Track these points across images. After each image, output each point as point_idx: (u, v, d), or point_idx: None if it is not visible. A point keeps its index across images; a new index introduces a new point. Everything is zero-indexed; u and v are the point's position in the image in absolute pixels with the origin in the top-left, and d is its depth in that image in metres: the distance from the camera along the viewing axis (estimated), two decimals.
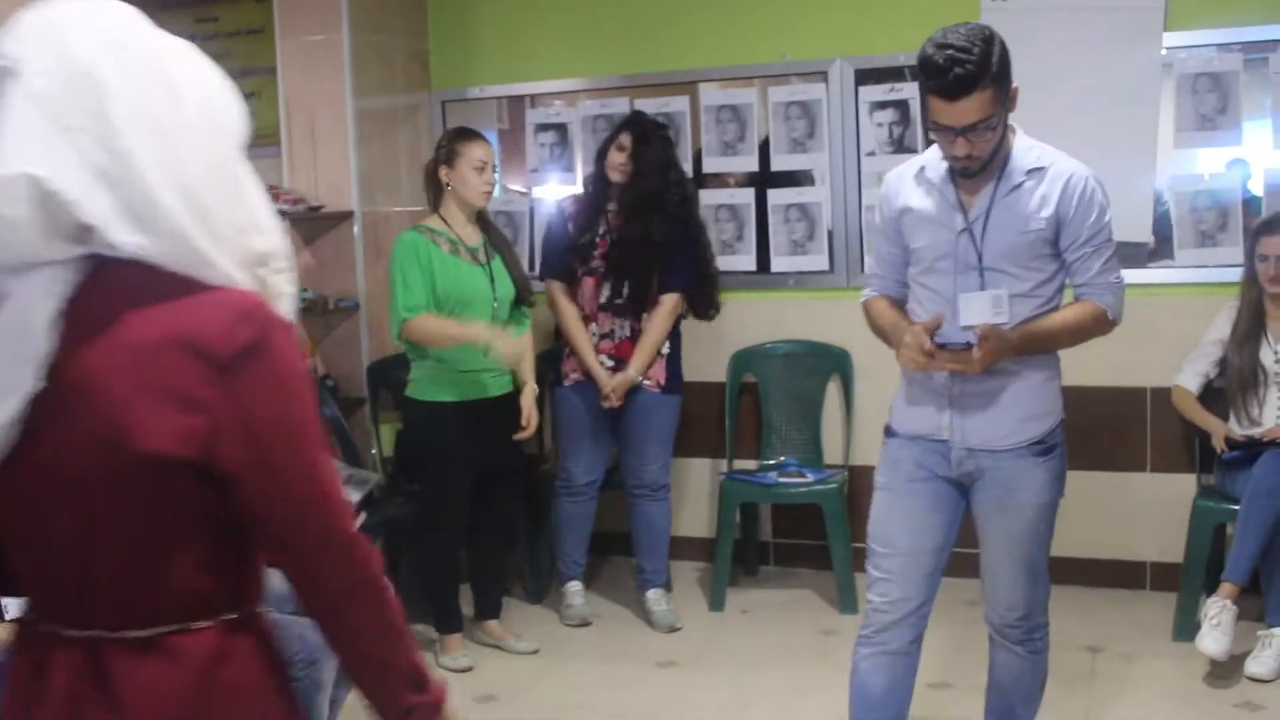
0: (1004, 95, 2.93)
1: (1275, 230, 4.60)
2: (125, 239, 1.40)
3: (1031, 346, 3.06)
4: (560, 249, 4.92)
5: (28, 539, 1.51)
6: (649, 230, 4.81)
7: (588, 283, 4.91)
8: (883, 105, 5.35)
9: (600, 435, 5.02)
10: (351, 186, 5.46)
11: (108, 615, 1.48)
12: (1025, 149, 3.10)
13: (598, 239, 4.88)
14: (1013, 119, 3.06)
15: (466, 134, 4.66)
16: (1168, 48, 4.97)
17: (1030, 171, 3.07)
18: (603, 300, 4.89)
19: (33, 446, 1.43)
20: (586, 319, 4.92)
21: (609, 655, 4.74)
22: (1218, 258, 5.01)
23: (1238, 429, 4.63)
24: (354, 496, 4.69)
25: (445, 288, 4.47)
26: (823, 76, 5.41)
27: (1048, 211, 3.03)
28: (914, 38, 5.11)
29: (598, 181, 4.95)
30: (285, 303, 1.55)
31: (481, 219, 4.66)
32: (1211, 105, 4.98)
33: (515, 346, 4.45)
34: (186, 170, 1.44)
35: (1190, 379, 4.80)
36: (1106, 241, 3.09)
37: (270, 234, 1.55)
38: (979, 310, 3.02)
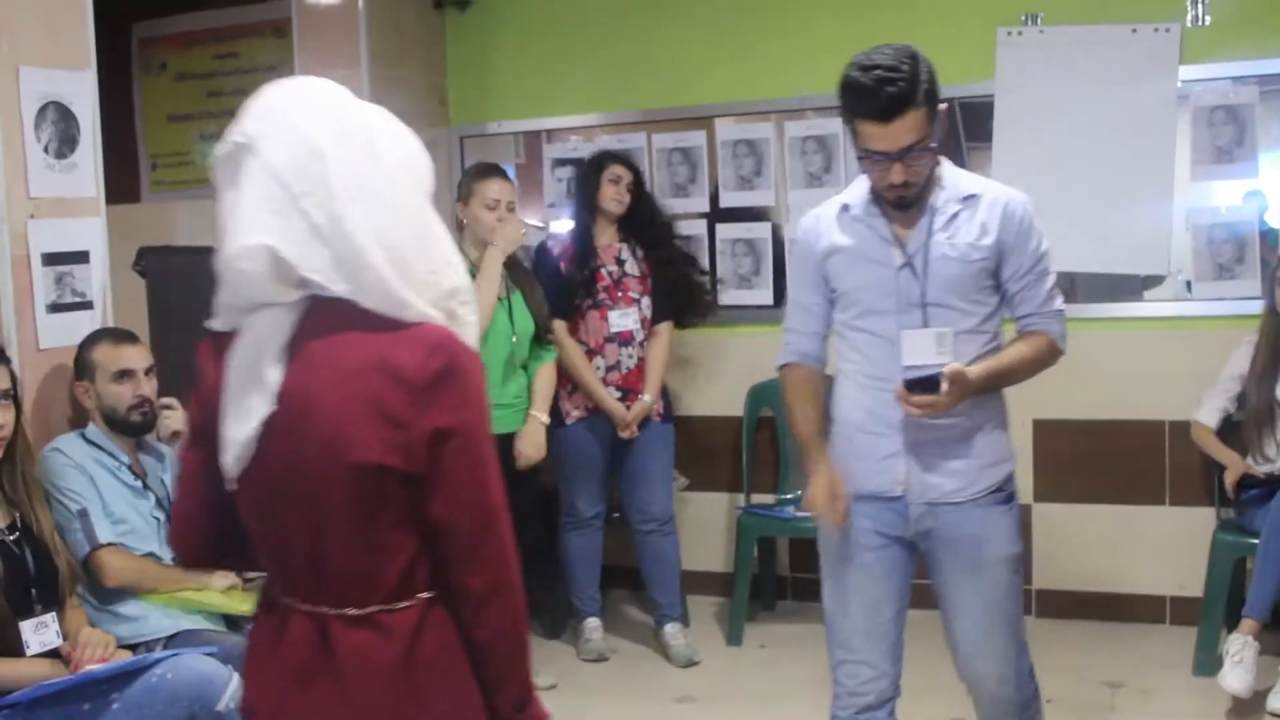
0: (935, 114, 2.79)
1: None
2: (338, 288, 1.70)
3: (991, 385, 2.88)
4: (556, 288, 4.92)
5: (267, 533, 1.82)
6: (678, 248, 5.12)
7: (594, 316, 4.94)
8: None
9: (603, 469, 5.05)
10: None
11: (332, 595, 1.77)
12: (955, 176, 2.95)
13: (596, 273, 4.91)
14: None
15: (483, 171, 4.70)
16: (1184, 80, 4.99)
17: (964, 199, 2.91)
18: (611, 329, 4.91)
19: (266, 458, 1.73)
20: (591, 353, 4.93)
21: (627, 691, 4.72)
22: (1235, 290, 5.00)
23: (1255, 465, 4.61)
24: None
25: None
26: (839, 111, 5.40)
27: (989, 240, 2.88)
28: None
29: (583, 218, 5.01)
30: (470, 330, 1.81)
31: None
32: (1228, 138, 4.99)
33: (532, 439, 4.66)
34: (389, 226, 1.71)
35: (1209, 414, 4.79)
36: (1047, 269, 2.96)
37: (456, 270, 1.81)
38: (923, 350, 2.85)
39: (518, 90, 5.92)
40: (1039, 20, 5.14)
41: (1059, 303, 2.97)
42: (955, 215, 2.89)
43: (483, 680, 1.82)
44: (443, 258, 1.80)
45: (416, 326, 1.73)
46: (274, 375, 1.71)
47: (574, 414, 4.98)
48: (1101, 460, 5.21)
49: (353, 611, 1.77)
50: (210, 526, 1.89)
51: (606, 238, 5.00)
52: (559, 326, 4.93)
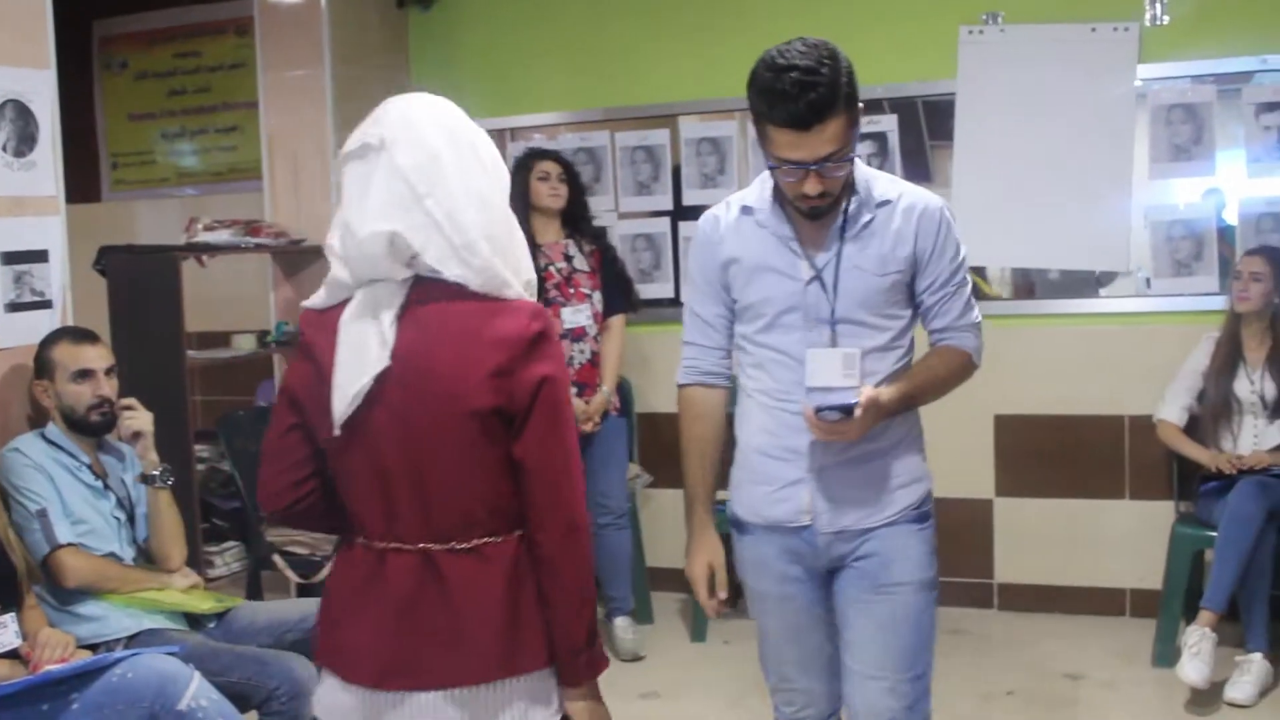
0: (855, 119, 2.50)
1: (1255, 252, 4.68)
2: (454, 272, 2.00)
3: (903, 406, 2.64)
4: None
5: (371, 480, 2.05)
6: (607, 241, 5.18)
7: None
8: (861, 137, 5.36)
9: None
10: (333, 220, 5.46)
11: (439, 532, 2.03)
12: (868, 179, 2.65)
13: (543, 271, 4.89)
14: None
15: None
16: (1142, 79, 5.04)
17: (879, 205, 2.64)
18: (564, 325, 4.91)
19: (376, 409, 2.00)
20: None
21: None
22: (1194, 287, 5.06)
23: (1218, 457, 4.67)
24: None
25: None
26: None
27: (905, 250, 2.63)
28: (892, 70, 5.29)
29: (520, 219, 4.99)
30: None
31: None
32: (1186, 136, 5.04)
33: None
34: (493, 222, 2.05)
35: (1174, 412, 4.83)
36: (965, 279, 2.70)
37: (529, 263, 2.14)
38: (828, 371, 2.60)
39: (481, 89, 5.91)
40: (1000, 19, 5.17)
41: (975, 315, 2.72)
42: (868, 223, 2.62)
43: (557, 617, 2.06)
44: (524, 251, 2.13)
45: (516, 301, 2.04)
46: (390, 335, 1.99)
47: None
48: (1062, 455, 5.26)
49: (459, 545, 2.03)
50: (297, 481, 2.15)
51: (551, 235, 5.00)
52: None
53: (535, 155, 5.07)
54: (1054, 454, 5.27)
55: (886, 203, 2.64)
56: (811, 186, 2.50)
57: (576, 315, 4.94)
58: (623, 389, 5.19)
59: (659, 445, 5.46)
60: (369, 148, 2.04)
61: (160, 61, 6.60)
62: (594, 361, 4.97)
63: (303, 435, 2.12)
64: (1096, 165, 5.09)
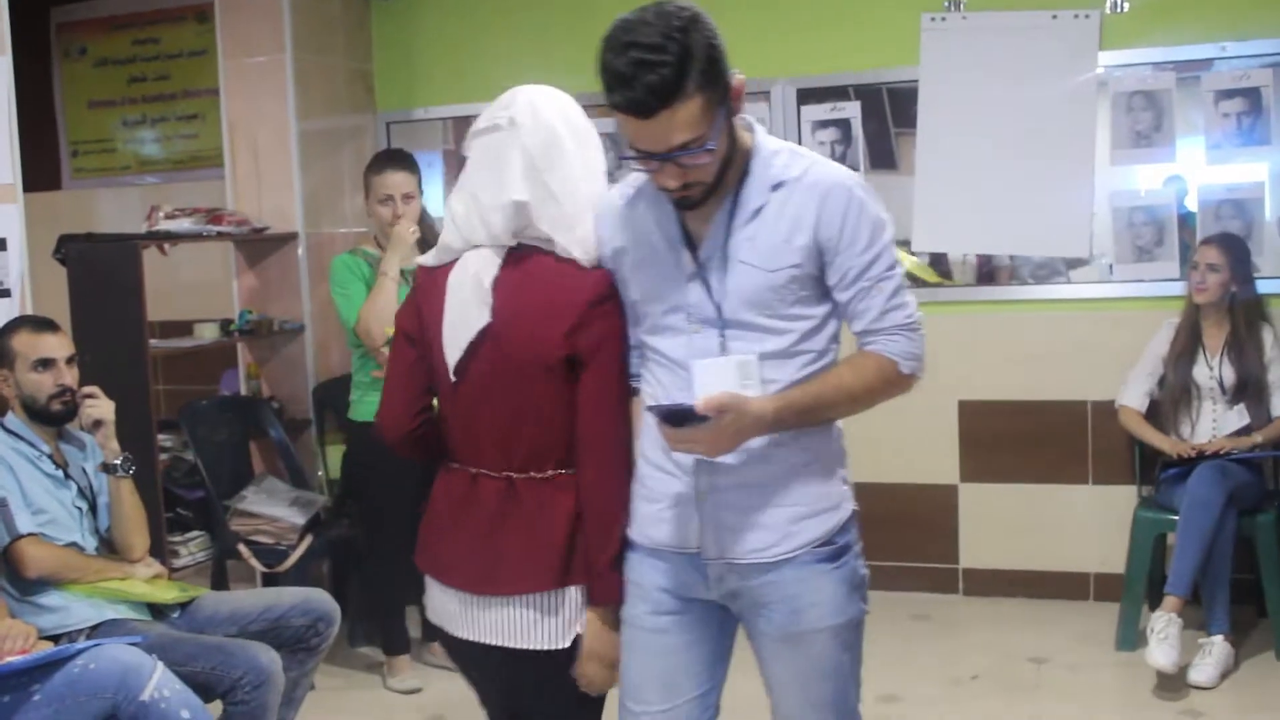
0: (720, 98, 2.13)
1: (1210, 242, 4.72)
2: (560, 239, 2.33)
3: (796, 421, 2.23)
4: None
5: (468, 417, 2.40)
6: None
7: None
8: (824, 124, 5.40)
9: None
10: (296, 208, 5.44)
11: (520, 463, 2.36)
12: (768, 156, 2.26)
13: None
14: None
15: (375, 164, 4.60)
16: (1103, 66, 5.06)
17: (776, 187, 2.24)
18: None
19: (477, 358, 2.35)
20: None
21: None
22: (1155, 272, 5.09)
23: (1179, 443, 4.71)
24: (300, 519, 4.70)
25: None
26: (765, 96, 5.45)
27: (803, 239, 2.22)
28: (856, 58, 5.31)
29: None
30: None
31: (425, 241, 4.39)
32: (1147, 123, 5.07)
33: None
34: (591, 200, 2.36)
35: (1135, 398, 4.87)
36: (889, 271, 2.26)
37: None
38: (721, 381, 2.20)
39: (445, 75, 5.89)
40: (962, 6, 5.19)
41: (906, 314, 2.28)
42: (761, 209, 2.24)
43: (593, 530, 2.35)
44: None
45: (591, 268, 2.35)
46: (489, 295, 2.32)
47: None
48: (1025, 440, 5.29)
49: (538, 475, 2.36)
50: (416, 412, 2.47)
51: None
52: None
53: None
54: (1018, 440, 5.30)
55: (783, 184, 2.23)
56: (668, 179, 2.17)
57: None
58: None
59: None
60: (498, 127, 2.36)
61: (120, 48, 6.54)
62: None
63: (421, 369, 2.45)
64: (1059, 152, 5.11)
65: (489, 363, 2.35)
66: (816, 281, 2.26)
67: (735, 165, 2.24)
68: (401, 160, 4.58)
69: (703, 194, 2.21)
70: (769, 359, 2.25)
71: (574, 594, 2.37)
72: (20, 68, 3.76)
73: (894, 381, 2.29)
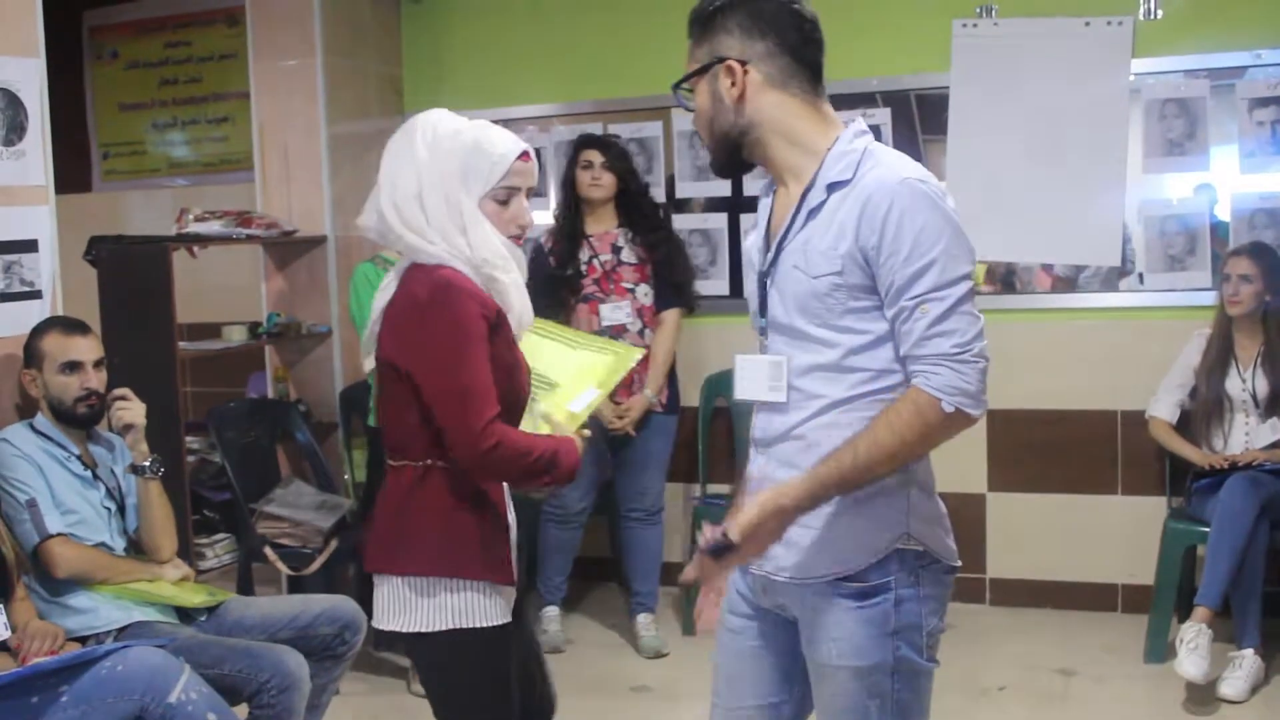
0: (703, 56, 2.22)
1: (1240, 253, 4.68)
2: (425, 252, 2.49)
3: (837, 491, 2.09)
4: (544, 288, 4.76)
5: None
6: (665, 235, 5.02)
7: (583, 309, 4.85)
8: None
9: (600, 461, 4.91)
10: (325, 211, 5.46)
11: (391, 451, 2.59)
12: (837, 156, 2.16)
13: (585, 266, 4.85)
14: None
15: None
16: (1135, 74, 5.03)
17: (831, 187, 2.14)
18: (602, 324, 4.81)
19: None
20: None
21: (583, 680, 4.71)
22: (1186, 282, 5.05)
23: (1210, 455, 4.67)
24: (326, 522, 4.70)
25: None
26: None
27: (845, 246, 2.08)
28: (885, 63, 5.28)
29: (568, 210, 4.94)
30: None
31: None
32: (1179, 131, 5.03)
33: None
34: (407, 198, 2.50)
35: (1165, 409, 4.84)
36: (937, 291, 2.04)
37: (482, 240, 2.53)
38: (754, 381, 2.22)
39: (473, 80, 5.90)
40: (994, 13, 5.17)
41: (954, 343, 2.04)
42: (818, 207, 2.15)
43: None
44: (472, 227, 2.52)
45: (429, 266, 2.49)
46: (382, 299, 2.59)
47: None
48: (1054, 449, 5.25)
49: (410, 463, 2.56)
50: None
51: (603, 225, 4.91)
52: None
53: (580, 143, 4.96)
54: (1046, 449, 5.26)
55: (839, 185, 2.13)
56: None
57: (615, 312, 4.82)
58: (673, 383, 5.03)
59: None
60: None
61: (151, 51, 6.57)
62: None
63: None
64: (1090, 160, 5.08)
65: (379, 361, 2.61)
66: (870, 292, 2.10)
67: (768, 150, 2.22)
68: None
69: (712, 159, 2.31)
70: (818, 372, 2.15)
71: (449, 584, 2.51)
72: (52, 70, 3.77)
73: (939, 424, 2.05)
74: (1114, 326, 5.15)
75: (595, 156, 4.88)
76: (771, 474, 2.21)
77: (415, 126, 2.54)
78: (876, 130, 5.32)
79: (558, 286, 4.82)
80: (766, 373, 2.20)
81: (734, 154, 2.24)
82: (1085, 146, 5.07)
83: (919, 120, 5.33)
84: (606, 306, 4.83)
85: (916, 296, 2.04)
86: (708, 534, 2.10)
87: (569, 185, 4.92)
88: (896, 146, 5.20)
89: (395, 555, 2.54)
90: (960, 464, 5.33)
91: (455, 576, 2.50)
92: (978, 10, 5.18)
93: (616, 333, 4.80)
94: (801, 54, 2.22)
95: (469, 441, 2.43)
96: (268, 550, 4.61)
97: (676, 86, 2.27)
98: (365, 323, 4.25)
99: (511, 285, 2.56)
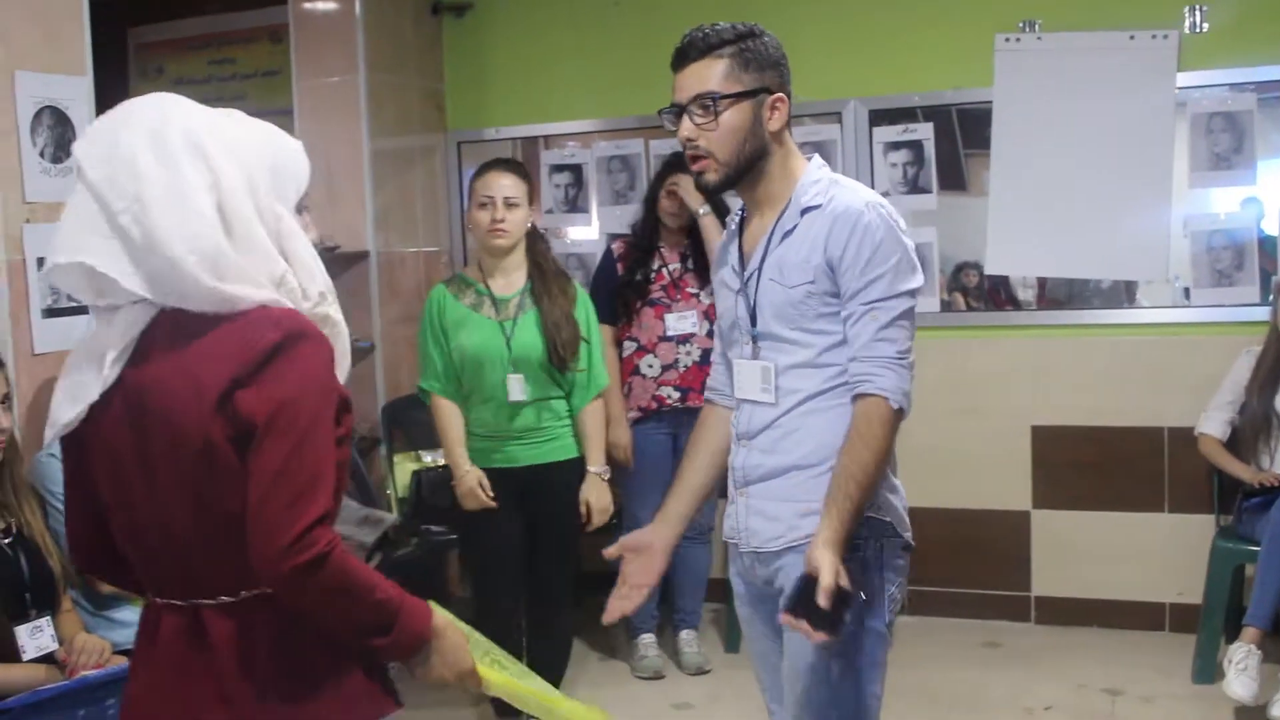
0: (748, 83, 2.42)
1: None
2: (162, 301, 1.77)
3: (855, 517, 2.32)
4: (609, 292, 4.80)
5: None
6: None
7: (648, 313, 4.81)
8: (897, 146, 5.36)
9: (666, 475, 4.86)
10: (367, 227, 5.48)
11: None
12: (807, 185, 2.49)
13: (654, 273, 4.82)
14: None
15: (482, 167, 4.11)
16: (1181, 87, 4.98)
17: (805, 211, 2.46)
18: (667, 332, 4.79)
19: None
20: (644, 350, 4.81)
21: (624, 696, 4.70)
22: (1234, 297, 5.00)
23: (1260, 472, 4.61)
24: (369, 537, 4.70)
25: (458, 347, 4.00)
26: (836, 117, 5.42)
27: (817, 258, 2.40)
28: (928, 79, 5.26)
29: (648, 222, 4.88)
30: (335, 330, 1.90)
31: (535, 265, 4.08)
32: (1226, 145, 4.98)
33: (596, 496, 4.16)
34: (205, 228, 1.75)
35: (1215, 426, 4.78)
36: (884, 300, 2.36)
37: (308, 263, 1.91)
38: (751, 383, 2.51)
39: (515, 96, 5.92)
40: (1037, 27, 5.14)
41: (897, 347, 2.37)
42: (792, 230, 2.46)
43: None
44: (296, 248, 1.90)
45: (253, 311, 1.79)
46: (111, 373, 1.80)
47: (630, 414, 4.82)
48: (1100, 467, 5.20)
49: (226, 599, 1.84)
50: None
51: (674, 238, 4.86)
52: (605, 333, 4.73)
53: (670, 167, 4.82)
54: (1092, 466, 5.21)
55: (811, 209, 2.45)
56: (683, 130, 2.45)
57: (681, 321, 4.77)
58: None
59: None
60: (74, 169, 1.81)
61: (196, 68, 6.62)
62: (704, 362, 4.71)
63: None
64: (1135, 174, 5.04)
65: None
66: (837, 297, 2.41)
67: (767, 177, 2.50)
68: (508, 164, 4.15)
69: (717, 175, 2.47)
70: (796, 369, 2.46)
71: None
72: (99, 87, 3.81)
73: (890, 422, 2.35)
74: (1159, 343, 5.10)
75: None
76: (755, 461, 2.52)
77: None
78: (919, 145, 5.30)
79: (626, 292, 4.81)
80: (759, 376, 2.49)
81: (741, 175, 2.50)
82: (1130, 161, 5.03)
83: (960, 134, 5.30)
84: (672, 316, 4.79)
85: (867, 303, 2.37)
86: (787, 606, 2.28)
87: (651, 202, 4.88)
88: (938, 161, 5.27)
89: None
90: (1004, 480, 5.29)
91: None
92: (1020, 24, 5.15)
93: (683, 339, 4.78)
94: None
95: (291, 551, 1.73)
96: None
97: (715, 99, 2.42)
98: (433, 365, 3.99)
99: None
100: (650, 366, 4.82)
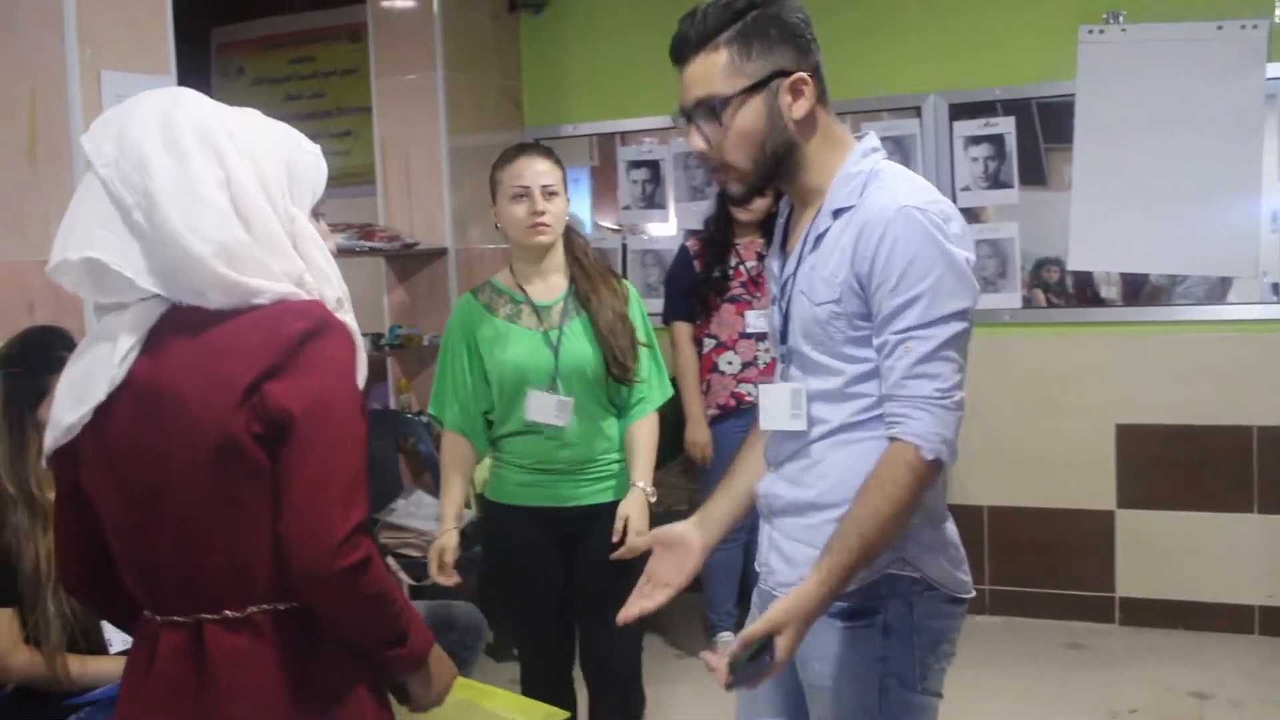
0: (753, 71, 2.03)
1: None
2: (176, 297, 1.72)
3: (850, 574, 1.93)
4: (686, 288, 4.81)
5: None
6: None
7: (728, 310, 4.80)
8: (977, 140, 5.29)
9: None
10: (445, 224, 5.50)
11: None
12: (843, 180, 2.07)
13: (732, 270, 4.80)
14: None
15: (502, 157, 3.48)
16: (1272, 78, 4.87)
17: (836, 214, 2.05)
18: (747, 328, 4.77)
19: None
20: (723, 347, 4.81)
21: (656, 698, 4.68)
22: None
23: None
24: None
25: (496, 366, 3.33)
26: (916, 112, 5.37)
27: (843, 274, 2.00)
28: (1008, 72, 5.19)
29: (721, 218, 4.88)
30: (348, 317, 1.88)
31: (576, 263, 3.43)
32: None
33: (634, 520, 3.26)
34: (224, 223, 1.69)
35: None
36: (922, 329, 1.93)
37: (317, 255, 1.87)
38: (778, 409, 2.13)
39: (591, 92, 5.92)
40: (1121, 18, 5.04)
41: (936, 386, 1.93)
42: (822, 236, 2.06)
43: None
44: (306, 242, 1.87)
45: (273, 305, 1.74)
46: (120, 372, 1.74)
47: (709, 412, 4.82)
48: (1187, 466, 5.10)
49: (231, 614, 1.77)
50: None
51: (750, 236, 4.84)
52: (682, 330, 4.79)
53: None
54: (1178, 465, 5.12)
55: (843, 211, 2.04)
56: (693, 140, 2.08)
57: (761, 319, 4.70)
58: None
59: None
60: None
61: (276, 67, 6.69)
62: None
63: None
64: (1223, 167, 4.93)
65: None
66: (869, 319, 2.00)
67: (803, 170, 2.09)
68: (539, 148, 3.50)
69: (740, 185, 2.10)
70: (822, 399, 2.08)
71: None
72: (182, 87, 3.85)
73: (919, 472, 1.92)
74: (1247, 340, 4.99)
75: None
76: (778, 491, 2.16)
77: None
78: (1000, 139, 5.23)
79: (704, 289, 4.80)
80: (788, 400, 2.11)
81: (771, 178, 2.11)
82: (1218, 154, 4.93)
83: (1040, 128, 5.22)
84: (753, 314, 4.76)
85: (901, 332, 1.94)
86: (735, 649, 1.91)
87: (723, 197, 4.86)
88: (1019, 155, 5.19)
89: None
90: (1088, 479, 5.21)
91: None
92: (1104, 16, 5.06)
93: (762, 337, 4.72)
94: (821, 66, 2.12)
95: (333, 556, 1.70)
96: (390, 560, 4.65)
97: (719, 104, 2.03)
98: (441, 406, 3.40)
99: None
100: (730, 364, 4.79)
